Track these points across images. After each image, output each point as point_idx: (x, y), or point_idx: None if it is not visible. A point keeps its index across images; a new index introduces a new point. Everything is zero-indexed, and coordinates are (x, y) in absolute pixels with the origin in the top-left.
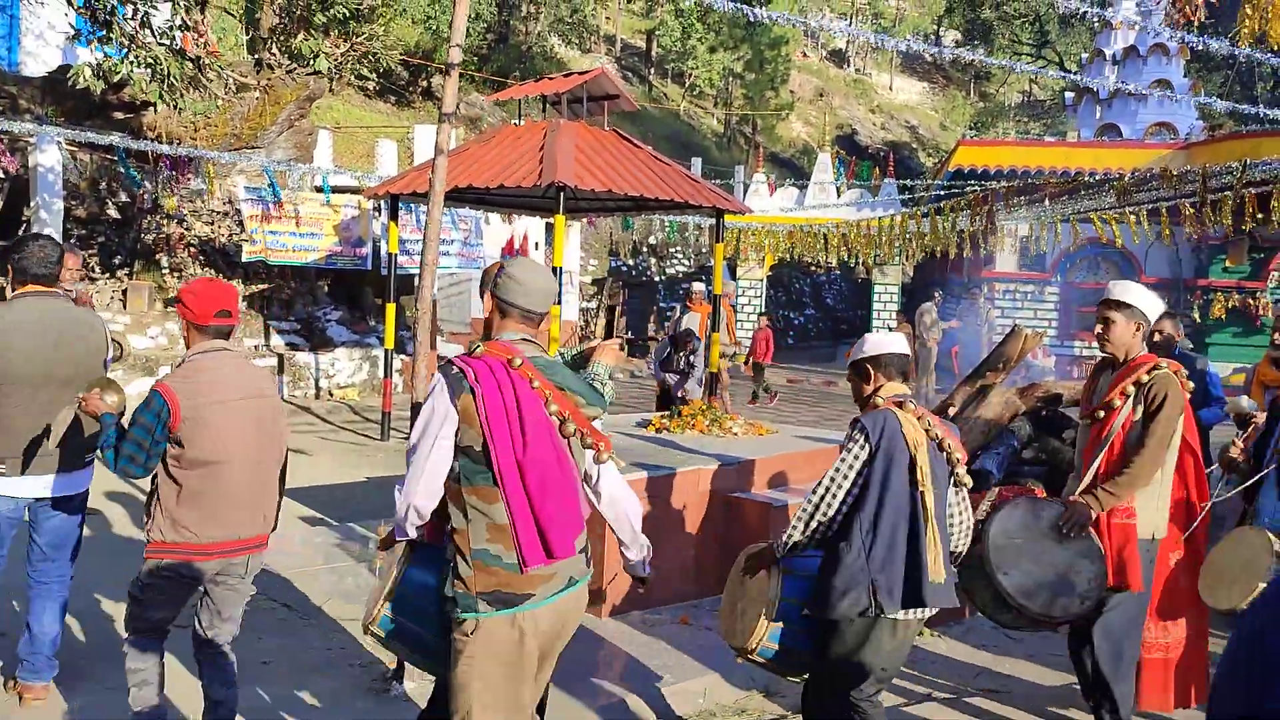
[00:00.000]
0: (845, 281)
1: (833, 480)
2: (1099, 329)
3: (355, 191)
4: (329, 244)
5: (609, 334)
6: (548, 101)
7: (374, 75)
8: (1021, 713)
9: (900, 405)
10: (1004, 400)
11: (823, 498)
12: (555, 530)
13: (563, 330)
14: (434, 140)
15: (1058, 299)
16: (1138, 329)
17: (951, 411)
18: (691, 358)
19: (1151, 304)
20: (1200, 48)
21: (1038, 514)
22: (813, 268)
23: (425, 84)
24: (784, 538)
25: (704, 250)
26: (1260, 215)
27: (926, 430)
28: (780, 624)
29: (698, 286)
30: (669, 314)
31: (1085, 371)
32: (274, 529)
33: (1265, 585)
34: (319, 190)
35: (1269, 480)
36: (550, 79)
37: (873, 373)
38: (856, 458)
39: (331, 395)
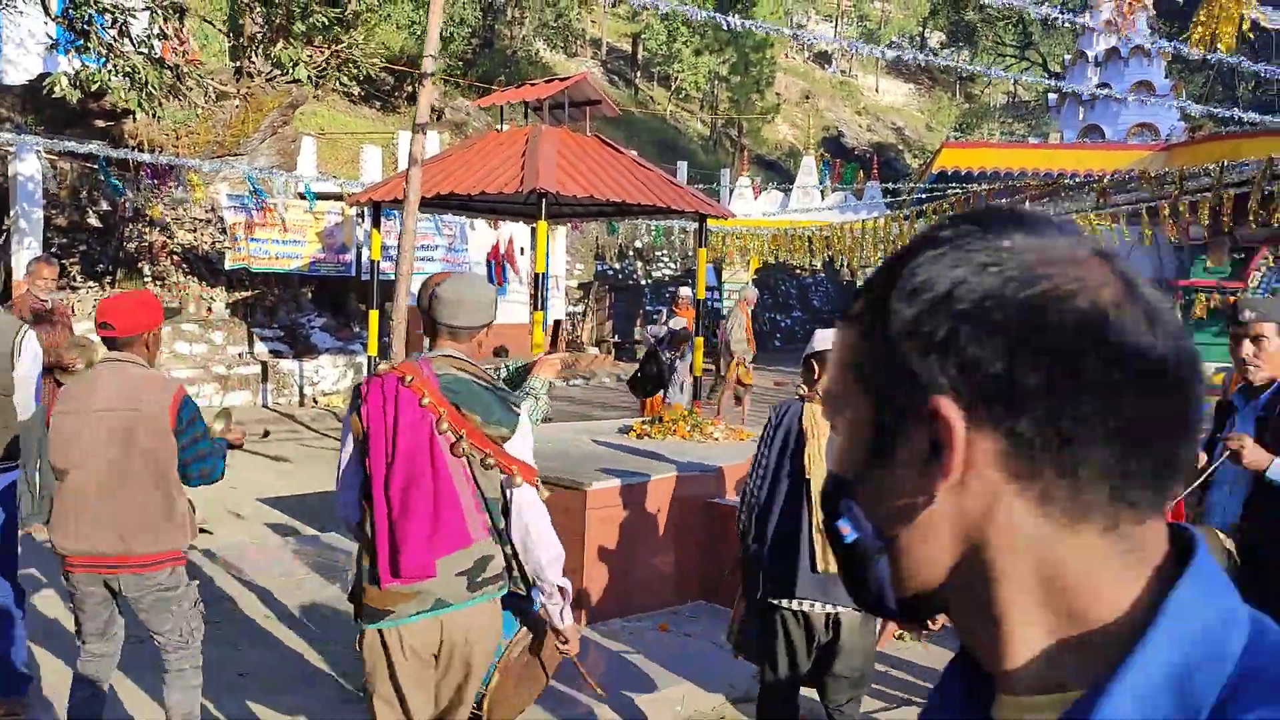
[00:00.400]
0: (831, 283)
1: (751, 468)
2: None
3: (339, 198)
4: (313, 251)
5: (553, 347)
6: (530, 107)
7: (355, 82)
8: None
9: (813, 398)
10: None
11: (746, 485)
12: (410, 550)
13: (548, 334)
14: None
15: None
16: None
17: None
18: (677, 362)
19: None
20: (1175, 51)
21: None
22: (798, 270)
23: (410, 89)
24: (736, 528)
25: (690, 254)
26: (1236, 216)
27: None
28: (748, 618)
29: (684, 291)
30: (655, 317)
31: None
32: (168, 552)
33: None
34: (302, 197)
35: (1219, 477)
36: (532, 85)
37: (816, 367)
38: (763, 443)
39: (315, 402)
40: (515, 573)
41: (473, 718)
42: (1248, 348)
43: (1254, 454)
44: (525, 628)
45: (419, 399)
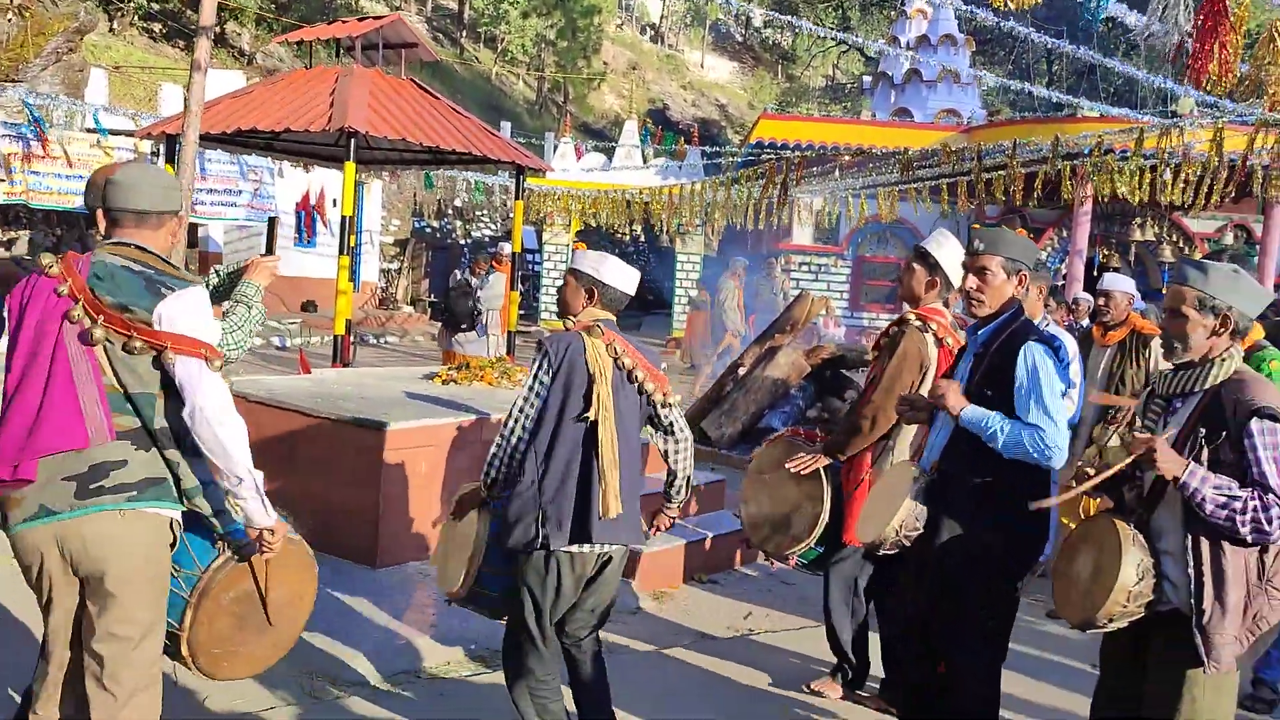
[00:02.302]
0: (652, 251)
1: (519, 407)
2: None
3: (134, 134)
4: None
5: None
6: (341, 47)
7: (146, 3)
8: (772, 653)
9: (589, 330)
10: (791, 361)
11: (510, 427)
12: (5, 449)
13: (361, 292)
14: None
15: (849, 272)
16: (931, 285)
17: (741, 371)
18: (477, 304)
19: (954, 262)
20: (974, 16)
21: (790, 453)
22: (618, 234)
23: (219, 30)
24: (484, 474)
25: (511, 214)
26: (1026, 194)
27: (615, 358)
28: (488, 566)
29: (505, 247)
30: (473, 273)
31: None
32: None
33: (899, 516)
34: (92, 131)
35: (941, 417)
36: (344, 22)
37: (595, 293)
38: (539, 381)
39: None
40: (186, 485)
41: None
42: (971, 280)
43: (952, 398)
44: (229, 555)
45: (55, 287)
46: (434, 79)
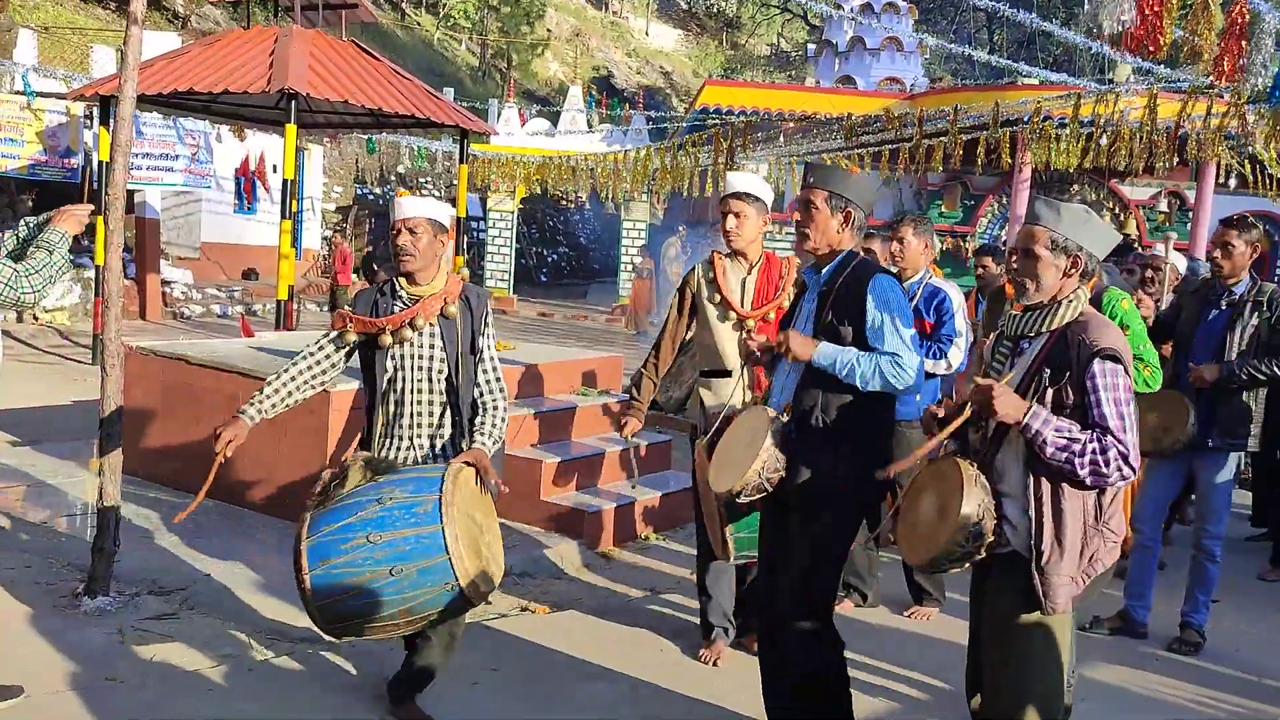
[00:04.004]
0: (598, 220)
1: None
2: (731, 223)
3: (65, 98)
4: (33, 152)
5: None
6: (280, 7)
7: None
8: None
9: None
10: None
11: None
12: None
13: (304, 259)
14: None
15: (794, 238)
16: (766, 224)
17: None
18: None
19: (770, 195)
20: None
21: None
22: (563, 202)
23: None
24: (496, 432)
25: (455, 181)
26: (966, 161)
27: None
28: None
29: (450, 211)
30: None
31: None
32: None
33: (759, 459)
34: (20, 93)
35: (781, 363)
36: None
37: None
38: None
39: (36, 319)
40: None
41: None
42: (799, 213)
43: (798, 346)
44: None
45: None
46: (375, 43)
